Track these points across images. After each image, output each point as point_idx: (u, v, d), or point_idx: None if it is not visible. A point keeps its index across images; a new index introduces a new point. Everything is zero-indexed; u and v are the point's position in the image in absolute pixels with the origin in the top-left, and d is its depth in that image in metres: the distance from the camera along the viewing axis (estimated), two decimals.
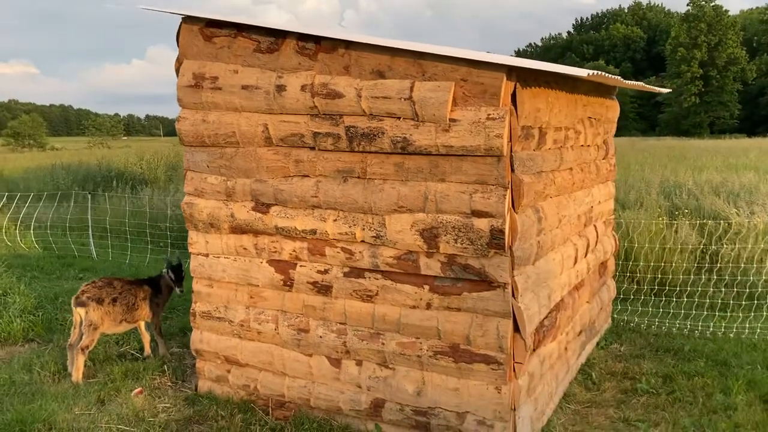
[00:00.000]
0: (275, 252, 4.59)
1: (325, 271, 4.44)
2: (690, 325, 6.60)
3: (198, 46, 4.70)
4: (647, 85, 6.09)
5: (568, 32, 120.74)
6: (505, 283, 3.92)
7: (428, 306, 4.14)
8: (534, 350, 4.17)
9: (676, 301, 7.27)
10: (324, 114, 4.24)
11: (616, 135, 6.57)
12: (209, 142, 4.68)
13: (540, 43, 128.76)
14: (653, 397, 5.02)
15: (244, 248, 4.71)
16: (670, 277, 7.89)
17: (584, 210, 5.44)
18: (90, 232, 10.53)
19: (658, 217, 8.74)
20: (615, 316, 6.93)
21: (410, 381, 4.25)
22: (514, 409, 4.01)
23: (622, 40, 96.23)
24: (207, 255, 4.89)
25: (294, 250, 4.53)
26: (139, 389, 5.14)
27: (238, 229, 4.70)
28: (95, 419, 4.64)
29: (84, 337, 5.34)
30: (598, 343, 6.16)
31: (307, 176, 4.41)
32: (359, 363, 4.42)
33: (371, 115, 4.09)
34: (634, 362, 5.71)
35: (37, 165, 21.83)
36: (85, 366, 5.34)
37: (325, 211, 4.37)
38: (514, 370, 4.01)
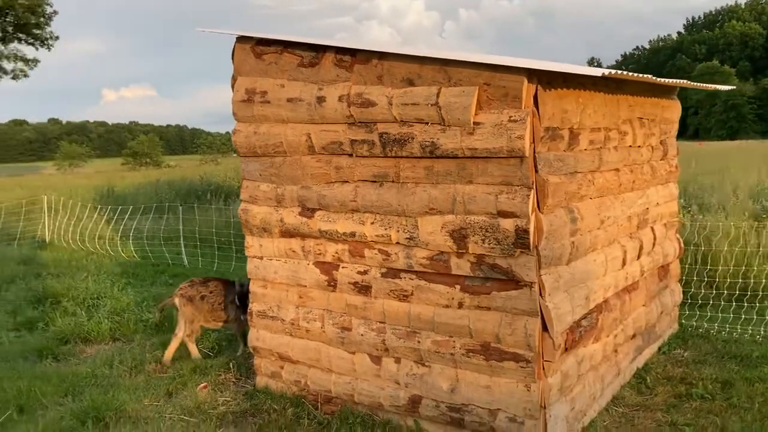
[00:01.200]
0: (320, 254, 4.84)
1: (365, 272, 4.65)
2: (764, 331, 6.32)
3: (250, 64, 5.04)
4: (700, 84, 5.93)
5: (679, 33, 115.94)
6: (531, 282, 3.98)
7: (460, 305, 4.26)
8: (567, 350, 4.19)
9: (755, 307, 6.96)
10: (359, 122, 4.46)
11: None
12: (260, 152, 5.00)
13: (648, 46, 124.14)
14: (707, 402, 4.88)
15: (293, 251, 4.99)
16: (752, 282, 7.55)
17: (636, 211, 5.37)
18: (182, 241, 11.23)
19: (743, 220, 8.39)
20: (683, 321, 6.72)
21: (445, 378, 4.37)
22: (545, 407, 4.05)
23: (739, 37, 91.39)
24: (261, 258, 5.21)
25: (336, 252, 4.76)
26: (204, 384, 5.51)
27: (287, 233, 4.99)
28: (161, 410, 5.03)
29: (183, 327, 6.10)
30: (660, 348, 6.02)
31: (347, 182, 4.64)
32: (398, 360, 4.58)
33: (402, 121, 4.27)
34: (694, 368, 5.55)
35: (147, 181, 23.30)
36: (197, 351, 6.17)
37: (363, 215, 4.57)
38: (543, 369, 4.05)
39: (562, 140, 4.19)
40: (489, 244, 4.04)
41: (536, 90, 3.91)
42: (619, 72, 3.85)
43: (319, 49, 4.67)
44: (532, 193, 3.92)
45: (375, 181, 4.51)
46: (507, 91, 3.91)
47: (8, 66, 29.92)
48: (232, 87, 5.15)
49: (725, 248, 7.70)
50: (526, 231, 3.90)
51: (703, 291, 7.52)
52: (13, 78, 30.05)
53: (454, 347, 4.29)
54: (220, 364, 5.90)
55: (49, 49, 31.14)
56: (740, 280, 7.57)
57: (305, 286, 4.98)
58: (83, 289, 8.35)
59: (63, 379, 5.58)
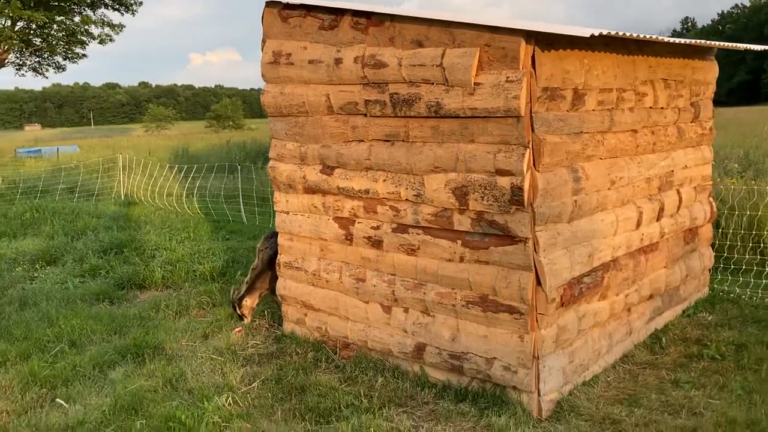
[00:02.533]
0: (338, 210, 5.12)
1: (378, 227, 4.89)
2: None
3: (277, 27, 5.31)
4: (728, 43, 5.79)
5: None
6: (526, 238, 4.14)
7: (461, 259, 4.46)
8: (563, 305, 4.33)
9: None
10: (372, 83, 4.67)
11: None
12: (286, 112, 5.29)
13: (748, 3, 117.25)
14: (716, 363, 4.93)
15: (315, 206, 5.28)
16: None
17: (658, 173, 5.38)
18: (240, 200, 11.77)
19: None
20: (716, 285, 6.67)
21: (447, 328, 4.60)
22: (537, 358, 4.22)
23: None
24: (288, 213, 5.54)
25: (353, 208, 5.02)
26: (239, 328, 5.94)
27: (309, 190, 5.29)
28: (195, 349, 5.48)
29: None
30: (684, 311, 6.03)
31: (362, 141, 4.87)
32: (406, 310, 4.83)
33: (410, 82, 4.45)
34: (713, 330, 5.57)
35: (221, 142, 24.15)
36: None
37: (377, 173, 4.80)
38: (536, 321, 4.22)
39: (564, 100, 4.28)
40: (487, 201, 4.21)
41: (534, 51, 4.01)
42: (614, 32, 3.89)
43: (338, 13, 4.88)
44: (528, 151, 4.05)
45: (387, 140, 4.73)
46: (506, 52, 4.03)
47: (95, 31, 31.35)
48: (262, 49, 5.43)
49: None
50: (521, 188, 4.04)
51: (747, 256, 7.41)
52: (100, 42, 31.48)
53: (455, 299, 4.50)
54: (257, 311, 6.31)
55: (133, 14, 32.41)
56: None
57: (326, 239, 5.27)
58: (145, 241, 8.97)
59: (113, 319, 6.12)
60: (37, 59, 32.79)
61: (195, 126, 77.00)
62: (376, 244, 4.91)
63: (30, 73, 33.64)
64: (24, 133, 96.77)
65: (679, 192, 5.75)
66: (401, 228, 4.75)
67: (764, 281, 6.70)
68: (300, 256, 5.52)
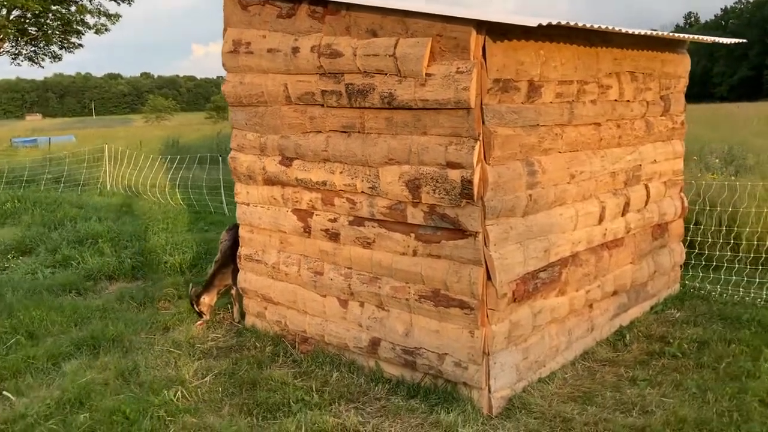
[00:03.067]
0: (297, 202, 5.05)
1: (335, 220, 4.82)
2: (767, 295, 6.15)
3: (237, 15, 5.22)
4: (698, 36, 5.69)
5: None
6: (476, 232, 4.06)
7: (414, 253, 4.39)
8: (516, 300, 4.25)
9: None
10: (329, 73, 4.58)
11: None
12: (246, 102, 5.21)
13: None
14: (676, 360, 4.86)
15: (274, 198, 5.21)
16: None
17: (624, 167, 5.30)
18: (222, 191, 11.69)
19: None
20: (687, 282, 6.60)
21: (401, 322, 4.53)
22: (488, 354, 4.15)
23: None
24: (248, 204, 5.46)
25: (311, 200, 4.95)
26: (202, 321, 5.86)
27: (269, 181, 5.21)
28: (154, 342, 5.42)
29: None
30: (652, 308, 5.96)
31: (320, 132, 4.79)
32: (362, 304, 4.77)
33: (365, 72, 4.37)
34: (679, 327, 5.50)
35: (212, 134, 24.06)
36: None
37: (334, 164, 4.73)
38: (487, 317, 4.15)
39: (518, 92, 4.19)
40: (439, 194, 4.13)
41: (485, 41, 3.92)
42: (562, 21, 3.80)
43: (296, 1, 4.80)
44: (478, 144, 3.97)
45: (345, 132, 4.65)
46: (457, 42, 3.95)
47: (91, 21, 31.14)
48: (223, 38, 5.34)
49: (753, 210, 7.44)
50: (471, 182, 3.97)
51: (721, 253, 7.33)
52: (96, 32, 31.28)
53: (409, 293, 4.43)
54: (221, 304, 6.24)
55: (129, 4, 32.17)
56: (762, 243, 7.32)
57: (285, 232, 5.20)
58: (120, 232, 8.90)
59: (75, 311, 6.05)
60: (33, 48, 32.59)
61: (195, 117, 76.79)
62: (334, 236, 4.84)
63: (26, 63, 33.45)
64: (24, 122, 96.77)
65: (647, 187, 5.66)
66: (357, 221, 4.68)
67: (735, 278, 6.63)
68: (260, 248, 5.45)
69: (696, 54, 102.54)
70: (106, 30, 31.31)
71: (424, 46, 4.03)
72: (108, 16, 31.74)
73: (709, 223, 7.31)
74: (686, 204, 6.32)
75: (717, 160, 9.07)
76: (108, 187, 14.24)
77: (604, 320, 5.32)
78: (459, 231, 4.14)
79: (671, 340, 5.19)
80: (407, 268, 4.42)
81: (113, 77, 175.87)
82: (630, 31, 4.62)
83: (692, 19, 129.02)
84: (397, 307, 4.54)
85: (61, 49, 33.04)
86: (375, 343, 4.69)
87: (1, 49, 31.16)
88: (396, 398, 4.42)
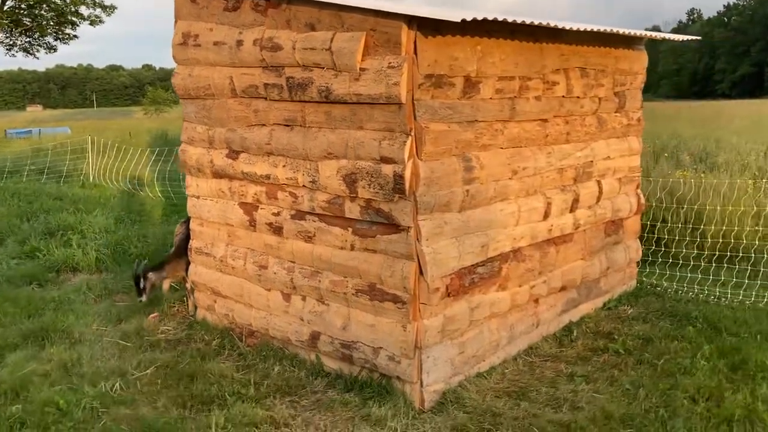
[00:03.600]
0: (243, 195, 5.06)
1: (278, 213, 4.83)
2: (722, 292, 6.15)
3: (186, 8, 5.22)
4: (649, 32, 5.67)
5: None
6: (408, 227, 4.07)
7: (352, 247, 4.39)
8: (450, 295, 4.26)
9: (734, 269, 6.74)
10: (271, 66, 4.59)
11: None
12: (194, 94, 5.22)
13: None
14: (618, 357, 4.87)
15: (222, 191, 5.22)
16: (744, 242, 7.26)
17: (573, 164, 5.30)
18: None
19: (746, 179, 8.05)
20: (644, 279, 6.61)
21: (339, 316, 4.55)
22: (420, 348, 4.17)
23: None
24: (198, 197, 5.48)
25: (256, 194, 4.95)
26: (155, 314, 5.89)
27: (217, 174, 5.22)
28: (104, 334, 5.44)
29: None
30: (605, 304, 5.97)
31: (264, 125, 4.80)
32: (303, 298, 4.78)
33: (303, 66, 4.38)
34: (627, 324, 5.51)
35: None
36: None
37: (277, 158, 4.73)
38: (419, 311, 4.16)
39: (453, 88, 4.19)
40: (374, 189, 4.14)
41: (416, 37, 3.92)
42: (486, 16, 3.80)
43: None
44: (410, 140, 3.98)
45: (287, 125, 4.65)
46: (389, 37, 3.95)
47: (85, 12, 31.20)
48: (174, 30, 5.34)
49: (718, 208, 7.44)
50: (402, 177, 3.97)
51: (686, 251, 7.32)
52: (91, 24, 31.37)
53: (347, 287, 4.44)
54: (177, 297, 6.25)
55: None
56: (726, 241, 7.32)
57: (232, 225, 5.22)
58: (92, 224, 8.91)
59: (30, 302, 6.08)
60: (28, 39, 32.69)
61: None
62: (277, 230, 4.85)
63: (21, 54, 33.53)
64: (24, 113, 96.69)
65: (599, 183, 5.67)
66: (299, 215, 4.69)
67: (694, 275, 6.63)
68: (210, 241, 5.47)
69: (698, 51, 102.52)
70: (100, 22, 31.36)
71: (357, 41, 4.03)
72: (103, 7, 31.76)
73: (675, 220, 7.31)
74: (643, 201, 6.32)
75: (688, 158, 9.07)
76: (90, 178, 14.25)
77: (551, 316, 5.33)
78: (393, 226, 4.15)
79: (617, 337, 5.21)
80: (345, 262, 4.43)
81: (115, 69, 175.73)
82: (575, 27, 4.62)
83: (695, 15, 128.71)
84: (336, 301, 4.56)
85: (55, 40, 33.10)
86: (315, 337, 4.71)
87: None
88: (333, 392, 4.43)
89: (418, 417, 4.10)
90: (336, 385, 4.51)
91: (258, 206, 4.98)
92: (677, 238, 7.28)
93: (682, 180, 7.98)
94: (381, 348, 4.32)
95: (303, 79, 4.38)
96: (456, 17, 3.64)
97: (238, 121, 4.96)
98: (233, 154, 5.04)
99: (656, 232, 7.31)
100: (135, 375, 4.67)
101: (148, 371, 4.73)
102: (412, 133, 3.99)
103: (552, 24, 4.34)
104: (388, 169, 4.04)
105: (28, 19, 31.18)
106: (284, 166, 4.67)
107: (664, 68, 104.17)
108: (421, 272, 4.11)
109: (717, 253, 7.11)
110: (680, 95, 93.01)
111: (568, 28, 4.51)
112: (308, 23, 4.36)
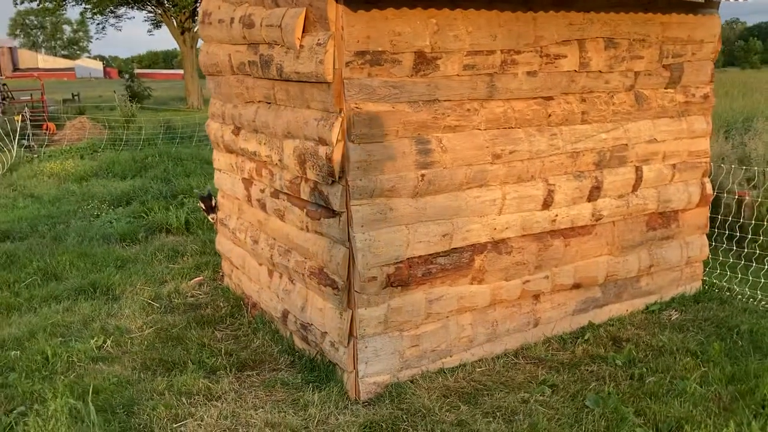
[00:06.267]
0: (242, 171, 5.17)
1: (263, 190, 4.88)
2: None
3: None
4: None
5: None
6: (341, 212, 3.91)
7: (307, 228, 4.32)
8: (394, 284, 4.03)
9: None
10: (250, 43, 4.61)
11: None
12: (210, 71, 5.40)
13: None
14: (611, 367, 4.30)
15: (231, 165, 5.38)
16: None
17: (594, 146, 4.71)
18: None
19: None
20: (714, 281, 5.70)
21: (300, 297, 4.51)
22: (356, 336, 4.01)
23: None
24: (220, 170, 5.69)
25: (250, 170, 5.04)
26: (200, 278, 6.26)
27: (227, 149, 5.38)
28: (141, 293, 5.89)
29: None
30: (648, 306, 5.27)
31: (252, 102, 4.85)
32: (280, 276, 4.81)
33: (268, 43, 4.34)
34: (655, 332, 4.83)
35: None
36: None
37: (260, 135, 4.77)
38: (354, 299, 3.99)
39: (399, 65, 3.90)
40: (315, 170, 4.03)
41: (342, 11, 3.70)
42: None
43: None
44: (339, 120, 3.80)
45: (268, 102, 4.66)
46: (321, 13, 3.78)
47: None
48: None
49: None
50: (332, 159, 3.82)
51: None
52: None
53: (305, 268, 4.39)
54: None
55: None
56: None
57: (239, 199, 5.36)
58: (201, 188, 9.61)
59: (103, 259, 6.74)
60: None
61: None
62: (263, 207, 4.91)
63: None
64: None
65: (638, 169, 4.98)
66: (275, 193, 4.70)
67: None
68: (228, 213, 5.67)
69: None
70: None
71: (296, 17, 3.91)
72: None
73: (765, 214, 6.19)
74: (710, 191, 5.43)
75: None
76: None
77: (558, 315, 4.83)
78: (331, 209, 4.01)
79: (627, 345, 4.59)
80: (303, 243, 4.38)
81: None
82: None
83: None
84: (299, 281, 4.53)
85: None
86: (285, 315, 4.73)
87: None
88: (289, 371, 4.44)
89: (344, 407, 3.97)
90: (296, 365, 4.51)
91: (252, 182, 5.06)
92: (762, 237, 6.16)
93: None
94: (326, 333, 4.24)
95: (268, 56, 4.35)
96: None
97: (237, 97, 5.05)
98: (236, 130, 5.16)
99: (738, 228, 6.24)
100: (133, 335, 5.03)
101: (146, 332, 5.07)
102: (342, 114, 3.80)
103: None
104: (323, 151, 3.91)
105: None
106: (264, 143, 4.70)
107: None
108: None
109: None
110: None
111: None
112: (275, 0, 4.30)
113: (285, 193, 4.54)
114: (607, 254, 4.96)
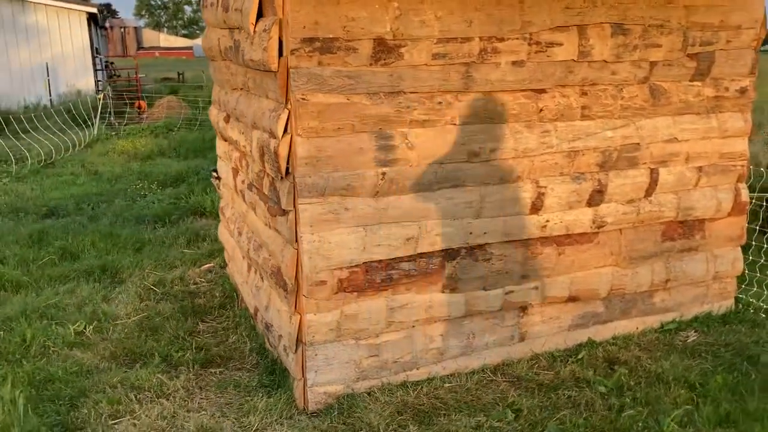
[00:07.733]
0: (231, 159, 5.01)
1: (243, 181, 4.70)
2: None
3: None
4: None
5: None
6: (288, 210, 3.66)
7: (269, 225, 4.11)
8: (347, 290, 3.75)
9: None
10: (229, 28, 4.41)
11: None
12: (208, 55, 5.25)
13: None
14: (593, 394, 3.84)
15: (225, 153, 5.23)
16: None
17: (596, 145, 4.23)
18: None
19: None
20: (751, 300, 5.04)
21: (266, 295, 4.31)
22: (304, 343, 3.77)
23: None
24: (220, 157, 5.56)
25: (236, 159, 4.87)
26: (210, 264, 6.20)
27: (222, 136, 5.24)
28: (147, 278, 5.86)
29: None
30: (663, 325, 4.72)
31: (236, 89, 4.66)
32: (255, 271, 4.62)
33: (238, 27, 4.13)
34: (655, 354, 4.30)
35: None
36: None
37: (240, 124, 4.58)
38: (303, 304, 3.74)
39: (355, 53, 3.57)
40: (269, 164, 3.80)
41: None
42: None
43: None
44: (284, 112, 3.54)
45: (247, 90, 4.46)
46: None
47: None
48: None
49: None
50: (277, 154, 3.57)
51: None
52: None
53: (269, 265, 4.19)
54: None
55: None
56: None
57: (231, 188, 5.21)
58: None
59: (124, 241, 6.80)
60: None
61: None
62: (244, 198, 4.73)
63: None
64: None
65: (653, 172, 4.43)
66: (249, 185, 4.51)
67: None
68: (226, 201, 5.55)
69: None
70: None
71: (253, 0, 3.67)
72: None
73: None
74: (744, 198, 4.78)
75: None
76: None
77: (551, 330, 4.39)
78: (281, 207, 3.77)
79: (616, 368, 4.10)
80: (266, 240, 4.17)
81: None
82: None
83: None
84: (266, 278, 4.32)
85: None
86: (256, 312, 4.55)
87: None
88: (252, 372, 4.27)
89: (292, 418, 3.74)
90: (259, 367, 4.33)
91: (238, 172, 4.89)
92: None
93: None
94: (281, 335, 4.02)
95: (237, 42, 4.14)
96: None
97: (227, 84, 4.89)
98: (227, 118, 5.00)
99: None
100: (119, 321, 5.00)
101: (131, 320, 5.03)
102: (288, 106, 3.54)
103: None
104: (273, 144, 3.66)
105: None
106: (242, 132, 4.51)
107: None
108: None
109: None
110: None
111: None
112: None
113: (255, 186, 4.34)
114: (611, 265, 4.46)
